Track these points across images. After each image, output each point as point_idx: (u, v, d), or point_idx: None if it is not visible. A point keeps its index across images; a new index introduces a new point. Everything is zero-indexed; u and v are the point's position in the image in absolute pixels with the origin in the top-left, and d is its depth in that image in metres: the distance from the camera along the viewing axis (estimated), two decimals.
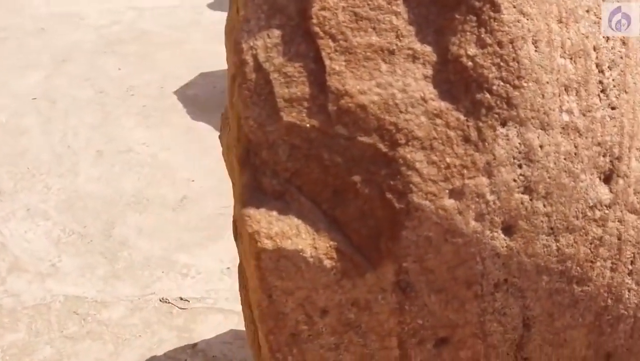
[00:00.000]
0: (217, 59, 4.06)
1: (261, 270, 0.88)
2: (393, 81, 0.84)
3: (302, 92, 0.85)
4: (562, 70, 0.85)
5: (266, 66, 0.85)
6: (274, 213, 0.87)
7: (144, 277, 2.92)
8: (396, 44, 0.84)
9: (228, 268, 2.94)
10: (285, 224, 0.87)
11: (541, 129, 0.85)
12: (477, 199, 0.85)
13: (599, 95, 0.87)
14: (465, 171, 0.85)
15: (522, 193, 0.86)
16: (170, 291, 2.85)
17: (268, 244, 0.86)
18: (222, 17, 4.62)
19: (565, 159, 0.86)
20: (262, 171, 0.87)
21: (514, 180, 0.86)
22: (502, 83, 0.84)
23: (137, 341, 2.66)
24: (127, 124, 3.43)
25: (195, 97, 3.69)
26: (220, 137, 2.00)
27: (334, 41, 0.84)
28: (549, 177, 0.86)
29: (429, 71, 0.85)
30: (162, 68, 3.93)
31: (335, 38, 0.84)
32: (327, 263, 0.87)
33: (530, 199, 0.86)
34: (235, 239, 2.21)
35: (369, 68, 0.84)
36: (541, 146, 0.85)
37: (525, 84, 0.84)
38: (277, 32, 0.84)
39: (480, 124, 0.85)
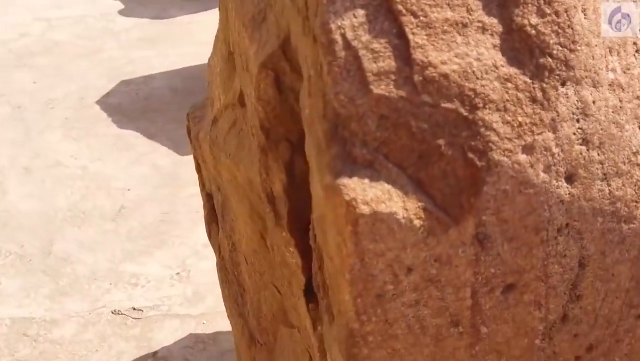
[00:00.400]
0: (135, 66, 4.03)
1: (357, 235, 0.94)
2: (468, 51, 0.93)
3: (389, 66, 0.92)
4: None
5: (354, 43, 0.91)
6: (366, 181, 0.94)
7: (92, 291, 2.88)
8: (468, 18, 0.93)
9: (177, 273, 2.95)
10: (377, 190, 0.94)
11: (593, 86, 0.97)
12: (545, 153, 0.96)
13: (634, 55, 1.00)
14: (534, 128, 0.95)
15: (581, 145, 0.98)
16: (122, 302, 2.83)
17: (365, 209, 0.93)
18: (135, 23, 4.56)
19: (612, 112, 0.98)
20: (352, 142, 0.93)
21: (574, 133, 0.97)
22: (560, 48, 0.95)
23: (94, 356, 2.63)
24: (51, 138, 3.34)
25: (118, 106, 3.64)
26: (194, 137, 2.02)
27: (415, 17, 0.92)
28: (601, 129, 0.98)
29: (497, 41, 0.95)
30: (80, 79, 3.85)
31: (416, 15, 0.92)
32: (417, 222, 0.95)
33: (587, 150, 0.98)
34: (210, 237, 2.23)
35: (446, 40, 0.93)
36: (594, 102, 0.97)
37: (579, 48, 0.96)
38: (361, 12, 0.91)
39: (544, 85, 0.95)
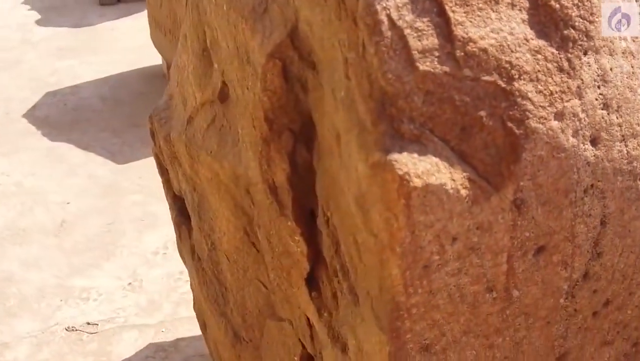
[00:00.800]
0: (60, 76, 3.90)
1: (409, 208, 0.98)
2: (502, 26, 0.98)
3: (432, 43, 0.96)
4: None
5: (400, 23, 0.95)
6: (415, 155, 0.97)
7: (42, 309, 2.80)
8: None
9: (129, 283, 2.91)
10: (426, 163, 0.97)
11: (609, 55, 1.04)
12: (573, 118, 1.02)
13: (639, 25, 1.08)
14: (563, 96, 1.01)
15: (602, 109, 1.05)
16: (75, 318, 2.77)
17: (418, 182, 0.96)
18: (54, 32, 4.40)
19: (627, 77, 1.06)
20: (400, 119, 0.97)
21: (596, 99, 1.04)
22: (581, 20, 1.02)
23: None
24: None
25: (47, 118, 3.52)
26: (162, 138, 2.00)
27: None
28: (618, 94, 1.06)
29: (525, 16, 1.00)
30: (2, 92, 3.68)
31: None
32: (463, 192, 1.00)
33: (608, 114, 1.05)
34: (180, 240, 2.21)
35: (482, 17, 0.98)
36: (611, 69, 1.05)
37: (597, 19, 1.03)
38: None
39: (569, 55, 1.02)
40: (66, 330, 2.69)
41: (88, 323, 2.72)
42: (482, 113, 0.98)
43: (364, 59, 0.98)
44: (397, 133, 0.97)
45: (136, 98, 3.37)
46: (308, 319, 1.61)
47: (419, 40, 0.95)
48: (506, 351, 1.21)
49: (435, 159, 0.98)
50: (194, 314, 2.74)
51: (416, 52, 0.96)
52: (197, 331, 2.68)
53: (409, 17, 0.95)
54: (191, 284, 2.45)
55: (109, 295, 2.80)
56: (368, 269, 1.16)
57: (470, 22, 0.97)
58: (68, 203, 3.01)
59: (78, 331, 2.69)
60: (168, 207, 3.20)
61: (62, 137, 3.29)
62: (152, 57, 3.70)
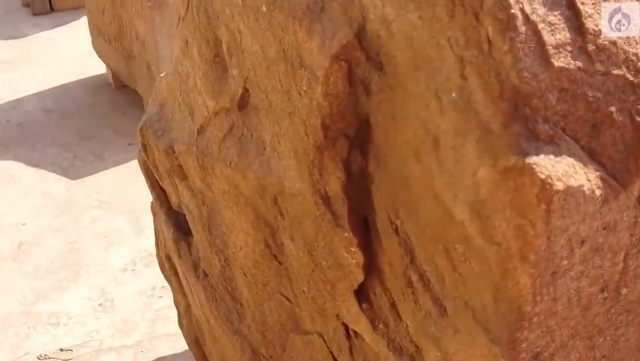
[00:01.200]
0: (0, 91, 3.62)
1: (549, 213, 0.92)
2: None
3: (565, 37, 0.91)
4: None
5: (533, 17, 0.89)
6: (552, 156, 0.92)
7: (10, 338, 2.63)
8: None
9: (100, 304, 2.77)
10: (563, 164, 0.92)
11: None
12: None
13: None
14: None
15: None
16: (46, 345, 2.62)
17: (559, 185, 0.91)
18: None
19: None
20: (534, 119, 0.91)
21: None
22: None
23: None
24: None
25: None
26: (163, 150, 1.87)
27: None
28: None
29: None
30: None
31: None
32: (597, 192, 0.95)
33: None
34: (179, 257, 2.08)
35: (608, 9, 0.93)
36: None
37: None
38: None
39: None
40: (38, 358, 2.51)
41: (61, 350, 2.55)
42: (613, 108, 0.94)
43: (491, 57, 0.91)
44: (532, 134, 0.91)
45: (83, 109, 3.16)
46: (347, 331, 1.53)
47: (552, 34, 0.90)
48: (605, 350, 1.18)
49: (570, 160, 0.93)
50: (172, 331, 2.62)
51: (550, 47, 0.90)
52: (178, 348, 2.56)
53: (541, 10, 0.89)
54: (175, 300, 2.33)
55: (80, 318, 2.64)
56: (467, 278, 1.10)
57: (598, 14, 0.92)
58: (24, 224, 2.80)
59: (51, 359, 2.52)
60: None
61: (9, 155, 3.05)
62: (95, 66, 3.48)
